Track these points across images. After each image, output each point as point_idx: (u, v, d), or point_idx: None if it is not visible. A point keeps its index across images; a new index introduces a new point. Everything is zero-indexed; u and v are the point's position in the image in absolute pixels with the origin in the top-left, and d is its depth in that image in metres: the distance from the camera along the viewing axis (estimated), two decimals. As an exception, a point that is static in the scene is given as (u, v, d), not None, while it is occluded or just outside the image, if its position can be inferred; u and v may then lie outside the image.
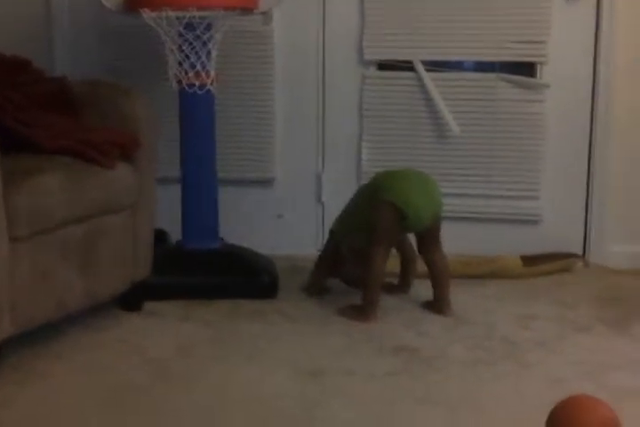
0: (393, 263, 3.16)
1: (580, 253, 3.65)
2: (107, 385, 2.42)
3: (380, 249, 2.95)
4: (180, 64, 3.12)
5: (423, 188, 2.98)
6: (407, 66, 3.66)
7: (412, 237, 3.11)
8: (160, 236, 3.34)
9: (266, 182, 3.80)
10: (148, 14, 3.03)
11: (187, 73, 3.12)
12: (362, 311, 2.96)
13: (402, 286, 3.23)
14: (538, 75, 3.63)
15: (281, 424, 2.20)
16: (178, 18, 3.04)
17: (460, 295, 3.12)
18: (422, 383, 2.44)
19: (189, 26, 3.06)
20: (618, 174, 3.59)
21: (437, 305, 3.04)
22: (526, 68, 3.64)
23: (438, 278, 3.05)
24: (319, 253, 3.29)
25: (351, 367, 2.54)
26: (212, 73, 3.16)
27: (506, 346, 2.73)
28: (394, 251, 3.13)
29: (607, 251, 3.62)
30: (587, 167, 3.63)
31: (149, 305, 3.04)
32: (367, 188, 3.14)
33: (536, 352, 2.68)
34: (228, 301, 3.12)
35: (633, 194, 3.60)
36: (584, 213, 3.65)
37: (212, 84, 3.16)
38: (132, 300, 3.00)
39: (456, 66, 3.71)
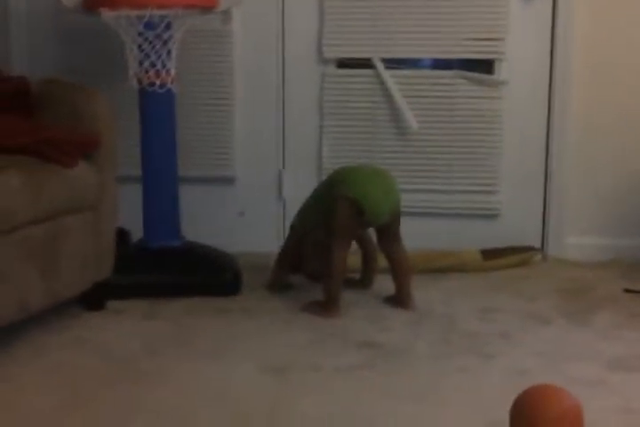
0: (354, 259, 3.19)
1: (539, 246, 3.70)
2: (70, 385, 2.40)
3: (339, 244, 2.96)
4: (141, 63, 3.11)
5: (380, 183, 3.00)
6: (366, 63, 3.69)
7: (372, 233, 3.13)
8: (121, 235, 3.32)
9: (227, 180, 3.80)
10: (106, 14, 3.02)
11: (147, 72, 3.12)
12: (324, 307, 2.97)
13: (364, 281, 3.25)
14: (495, 72, 3.66)
15: (248, 420, 2.20)
16: (137, 17, 3.03)
17: (421, 289, 3.15)
18: (387, 377, 2.46)
19: (149, 25, 3.05)
20: (575, 168, 3.64)
21: (400, 299, 3.06)
22: (484, 66, 3.67)
23: (399, 273, 3.07)
24: (280, 250, 3.30)
25: (316, 363, 2.55)
26: (173, 72, 3.16)
27: (468, 339, 2.76)
28: (355, 247, 3.15)
29: (565, 244, 3.68)
30: (544, 162, 3.68)
31: (112, 304, 3.03)
32: (326, 183, 3.16)
33: (498, 345, 2.71)
34: (192, 299, 3.12)
35: (590, 188, 3.66)
36: (542, 207, 3.70)
37: (172, 82, 3.16)
38: (94, 299, 2.99)
39: (415, 63, 3.75)
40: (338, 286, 2.98)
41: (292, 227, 3.25)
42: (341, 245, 2.97)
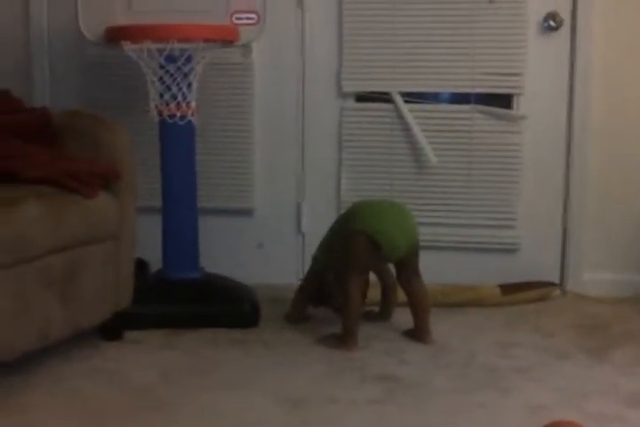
0: (374, 292, 3.18)
1: (558, 281, 3.68)
2: (88, 415, 2.40)
3: (353, 278, 2.96)
4: (161, 95, 3.14)
5: (397, 218, 3.00)
6: (385, 98, 3.71)
7: (391, 267, 3.13)
8: (141, 265, 3.34)
9: (246, 212, 3.82)
10: (128, 46, 3.06)
11: (168, 104, 3.15)
12: (342, 340, 2.97)
13: (383, 314, 3.24)
14: (514, 106, 3.68)
15: (265, 452, 2.20)
16: (159, 50, 3.06)
17: (439, 324, 3.14)
18: (405, 412, 2.44)
19: (170, 58, 3.08)
20: (594, 203, 3.64)
21: (418, 333, 3.05)
22: (503, 100, 3.69)
23: (418, 307, 3.06)
24: (301, 281, 3.29)
25: (334, 395, 2.54)
26: (193, 104, 3.18)
27: (486, 374, 2.74)
28: (375, 280, 3.15)
29: (584, 279, 3.66)
30: (563, 196, 3.67)
31: (130, 334, 3.03)
32: (344, 217, 3.17)
33: (516, 380, 2.69)
34: (210, 330, 3.12)
35: (609, 222, 3.65)
36: (561, 242, 3.69)
37: (192, 115, 3.19)
38: (113, 329, 2.99)
39: (433, 97, 3.77)
40: (355, 318, 2.97)
41: (314, 258, 3.25)
42: (355, 279, 2.96)
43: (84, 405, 2.47)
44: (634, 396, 2.55)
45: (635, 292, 3.60)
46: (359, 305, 2.99)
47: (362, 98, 3.77)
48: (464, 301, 3.46)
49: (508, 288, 3.51)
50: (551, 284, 3.61)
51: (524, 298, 3.50)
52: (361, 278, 2.99)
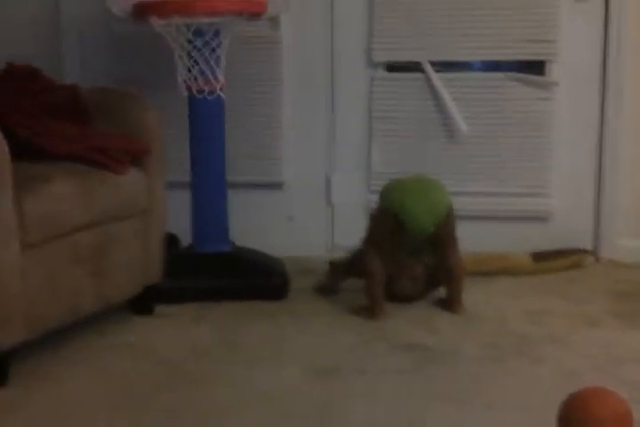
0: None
1: (591, 248, 3.65)
2: (119, 388, 2.43)
3: (370, 251, 2.98)
4: (190, 70, 3.14)
5: (423, 195, 2.97)
6: (416, 67, 3.68)
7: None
8: (171, 240, 3.36)
9: (276, 185, 3.81)
10: (156, 22, 3.05)
11: (196, 79, 3.14)
12: (370, 310, 2.98)
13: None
14: (547, 73, 3.63)
15: (295, 423, 2.21)
16: (186, 25, 3.06)
17: (471, 292, 3.12)
18: (435, 381, 2.45)
19: (198, 32, 3.08)
20: (628, 170, 3.59)
21: (449, 303, 3.05)
22: (535, 67, 3.64)
23: (450, 279, 3.05)
24: (348, 256, 3.25)
25: (363, 365, 2.55)
26: (222, 79, 3.18)
27: (517, 342, 2.73)
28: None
29: (617, 246, 3.63)
30: (597, 163, 3.63)
31: (161, 308, 3.06)
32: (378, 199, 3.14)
33: (548, 347, 2.68)
34: (240, 303, 3.13)
35: (643, 188, 3.61)
36: (594, 209, 3.66)
37: (221, 89, 3.18)
38: (143, 303, 3.02)
39: (464, 66, 3.73)
40: (377, 288, 2.98)
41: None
42: (372, 253, 2.98)
43: (115, 379, 2.50)
44: (667, 362, 2.54)
45: (669, 257, 3.57)
46: (379, 276, 2.99)
47: (392, 67, 3.75)
48: (496, 269, 3.45)
49: (540, 256, 3.49)
50: (584, 251, 3.59)
51: (556, 266, 3.48)
52: (376, 253, 2.98)
